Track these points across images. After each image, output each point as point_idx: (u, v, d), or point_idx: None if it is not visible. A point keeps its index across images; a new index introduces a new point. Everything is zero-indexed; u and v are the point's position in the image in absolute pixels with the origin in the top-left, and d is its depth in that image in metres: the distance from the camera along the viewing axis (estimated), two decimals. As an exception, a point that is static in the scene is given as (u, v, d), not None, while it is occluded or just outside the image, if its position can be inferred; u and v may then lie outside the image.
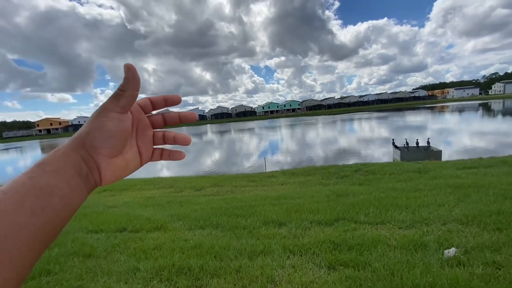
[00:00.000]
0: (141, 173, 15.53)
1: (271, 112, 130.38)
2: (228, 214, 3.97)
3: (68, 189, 0.29)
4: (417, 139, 13.51)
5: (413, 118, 43.73)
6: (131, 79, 0.34)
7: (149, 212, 4.58)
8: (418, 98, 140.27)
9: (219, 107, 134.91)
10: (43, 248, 0.28)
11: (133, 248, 2.94)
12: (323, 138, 26.88)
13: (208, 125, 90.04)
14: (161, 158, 0.43)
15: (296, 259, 2.44)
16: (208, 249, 2.74)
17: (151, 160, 0.42)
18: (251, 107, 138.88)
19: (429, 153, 12.39)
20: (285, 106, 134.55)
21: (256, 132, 44.06)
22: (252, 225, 3.38)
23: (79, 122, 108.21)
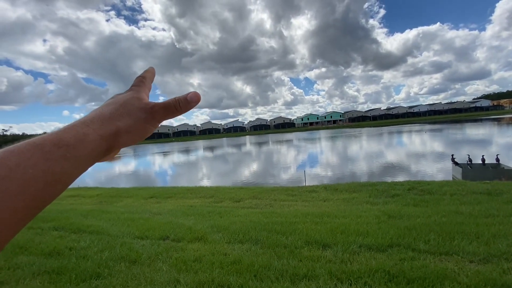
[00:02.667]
0: (184, 181, 16.32)
1: (311, 124, 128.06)
2: (267, 229, 3.83)
3: (78, 174, 0.28)
4: (482, 155, 11.78)
5: (475, 130, 38.72)
6: (188, 105, 0.34)
7: (191, 221, 4.67)
8: (480, 108, 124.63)
9: (258, 119, 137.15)
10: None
11: (175, 258, 2.97)
12: (368, 152, 25.23)
13: (247, 136, 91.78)
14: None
15: (345, 288, 2.19)
16: (247, 267, 2.63)
17: None
18: (290, 119, 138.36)
19: (499, 171, 10.68)
20: (325, 117, 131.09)
21: (294, 143, 43.43)
22: (293, 244, 3.19)
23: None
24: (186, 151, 45.16)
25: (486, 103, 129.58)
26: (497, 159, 11.54)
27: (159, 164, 31.30)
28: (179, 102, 0.34)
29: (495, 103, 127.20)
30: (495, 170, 10.95)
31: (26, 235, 4.05)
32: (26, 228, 4.45)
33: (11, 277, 2.64)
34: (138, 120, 0.33)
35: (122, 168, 28.97)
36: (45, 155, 0.25)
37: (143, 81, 0.38)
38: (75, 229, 4.27)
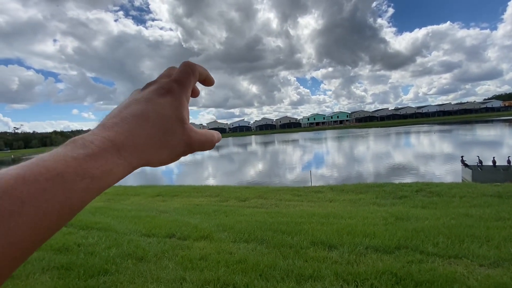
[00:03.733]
0: (189, 180, 16.42)
1: (317, 124, 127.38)
2: (273, 229, 3.82)
3: (93, 198, 0.24)
4: (493, 157, 11.51)
5: (486, 132, 37.90)
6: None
7: (197, 220, 4.70)
8: (491, 109, 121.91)
9: (263, 118, 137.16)
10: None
11: (181, 256, 2.99)
12: (375, 152, 24.95)
13: (253, 136, 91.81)
14: None
15: (351, 290, 2.17)
16: (253, 266, 2.63)
17: None
18: (296, 119, 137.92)
19: (510, 173, 10.44)
20: (332, 117, 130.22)
21: (300, 144, 43.26)
22: (299, 244, 3.17)
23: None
24: (192, 150, 45.33)
25: (497, 103, 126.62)
26: (509, 161, 11.27)
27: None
28: (214, 142, 0.32)
29: (507, 104, 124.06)
30: (506, 172, 10.70)
31: (36, 231, 4.14)
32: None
33: (21, 272, 2.70)
34: (175, 153, 0.29)
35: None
36: (65, 186, 0.21)
37: (191, 77, 0.31)
38: (83, 226, 4.35)
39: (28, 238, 0.19)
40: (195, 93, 0.35)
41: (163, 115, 0.27)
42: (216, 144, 0.33)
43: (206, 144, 0.31)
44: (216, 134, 0.33)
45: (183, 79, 0.30)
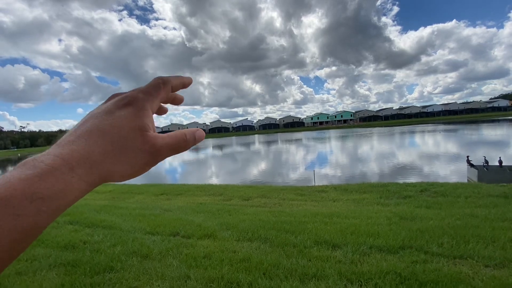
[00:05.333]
0: (193, 179, 16.49)
1: (320, 123, 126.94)
2: (276, 228, 3.83)
3: (51, 222, 0.22)
4: (499, 157, 11.37)
5: (492, 131, 37.41)
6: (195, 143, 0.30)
7: (200, 218, 4.72)
8: (498, 108, 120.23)
9: (267, 117, 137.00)
10: None
11: (185, 254, 3.01)
12: (378, 152, 24.80)
13: (256, 135, 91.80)
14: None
15: (355, 289, 2.17)
16: (256, 265, 2.64)
17: None
18: (299, 118, 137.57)
19: (517, 174, 10.30)
20: (335, 117, 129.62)
21: (303, 143, 43.16)
22: (302, 243, 3.18)
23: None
24: (196, 149, 45.62)
25: (504, 103, 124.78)
26: (515, 161, 11.11)
27: (169, 162, 31.76)
28: (189, 141, 0.29)
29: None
30: (513, 173, 10.56)
31: (43, 228, 4.20)
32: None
33: (28, 268, 2.75)
34: (138, 164, 0.26)
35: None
36: (12, 211, 0.19)
37: (159, 88, 0.30)
38: (89, 224, 4.40)
39: None
40: (161, 111, 0.33)
41: (121, 127, 0.26)
42: (204, 141, 0.30)
43: (177, 147, 0.28)
44: (189, 132, 0.29)
45: (150, 89, 0.29)
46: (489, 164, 11.47)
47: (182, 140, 0.28)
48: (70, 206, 0.23)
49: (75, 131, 0.25)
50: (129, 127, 0.26)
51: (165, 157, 0.28)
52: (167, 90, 0.31)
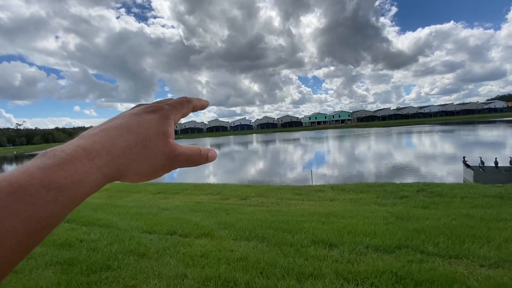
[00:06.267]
0: (191, 178, 16.46)
1: (318, 123, 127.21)
2: (273, 227, 3.84)
3: (68, 213, 0.22)
4: (495, 158, 11.47)
5: (488, 132, 37.71)
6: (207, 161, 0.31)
7: (198, 217, 4.72)
8: (494, 110, 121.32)
9: (265, 117, 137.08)
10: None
11: (182, 253, 3.01)
12: (376, 152, 24.91)
13: (254, 134, 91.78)
14: None
15: (351, 288, 2.18)
16: (253, 264, 2.65)
17: None
18: (297, 118, 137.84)
19: (512, 175, 10.40)
20: (333, 117, 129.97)
21: (301, 143, 43.22)
22: (299, 242, 3.19)
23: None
24: (194, 148, 45.42)
25: (500, 104, 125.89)
26: (511, 162, 11.23)
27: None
28: (203, 157, 0.30)
29: (510, 105, 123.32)
30: (508, 173, 10.66)
31: (39, 226, 4.17)
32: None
33: (24, 267, 2.73)
34: (155, 166, 0.27)
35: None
36: (29, 200, 0.19)
37: (183, 104, 0.33)
38: (85, 222, 4.38)
39: None
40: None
41: (147, 128, 0.27)
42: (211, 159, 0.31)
43: (192, 158, 0.29)
44: (205, 149, 0.31)
45: (175, 104, 0.32)
46: (485, 164, 11.57)
47: (197, 154, 0.30)
48: (87, 197, 0.23)
49: (99, 126, 0.26)
50: (154, 130, 0.28)
51: (181, 166, 0.29)
52: (189, 108, 0.34)
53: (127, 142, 0.25)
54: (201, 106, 0.36)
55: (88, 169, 0.22)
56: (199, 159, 0.30)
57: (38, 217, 0.19)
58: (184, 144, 0.30)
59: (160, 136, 0.28)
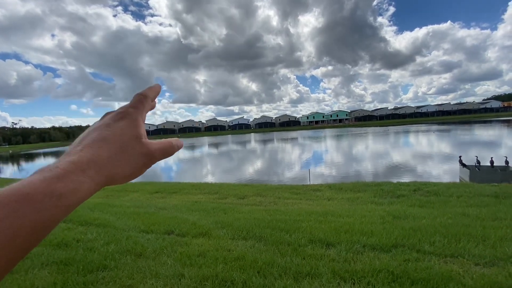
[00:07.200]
0: (188, 177, 16.44)
1: (316, 123, 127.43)
2: (271, 227, 3.85)
3: (65, 216, 0.26)
4: (491, 157, 11.57)
5: (484, 132, 38.03)
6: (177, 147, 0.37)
7: (195, 216, 4.72)
8: (490, 109, 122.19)
9: (263, 116, 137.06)
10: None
11: (179, 253, 3.01)
12: (373, 151, 25.03)
13: (252, 134, 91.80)
14: None
15: (348, 287, 2.19)
16: (251, 263, 2.65)
17: None
18: (295, 117, 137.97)
19: (508, 174, 10.50)
20: (331, 116, 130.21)
21: (299, 142, 43.30)
22: (297, 242, 3.20)
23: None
24: (191, 147, 45.46)
25: (496, 104, 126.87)
26: (506, 162, 11.34)
27: (164, 160, 31.52)
28: (175, 147, 0.36)
29: (506, 105, 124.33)
30: (504, 173, 10.76)
31: (35, 226, 4.15)
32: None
33: (20, 267, 2.71)
34: (137, 166, 0.32)
35: (128, 163, 29.21)
36: (35, 206, 0.23)
37: (143, 101, 0.36)
38: (82, 222, 4.36)
39: (4, 256, 0.22)
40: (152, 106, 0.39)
41: (121, 135, 0.31)
42: (182, 147, 0.38)
43: (166, 151, 0.35)
44: (175, 140, 0.36)
45: (137, 104, 0.35)
46: (481, 164, 11.67)
47: (170, 146, 0.35)
48: (82, 202, 0.27)
49: (81, 141, 0.31)
50: (128, 135, 0.32)
51: (158, 160, 0.34)
52: (148, 102, 0.37)
53: (108, 153, 0.30)
54: (156, 93, 0.39)
55: (82, 179, 0.27)
56: (172, 150, 0.35)
57: (43, 220, 0.24)
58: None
59: (134, 139, 0.32)
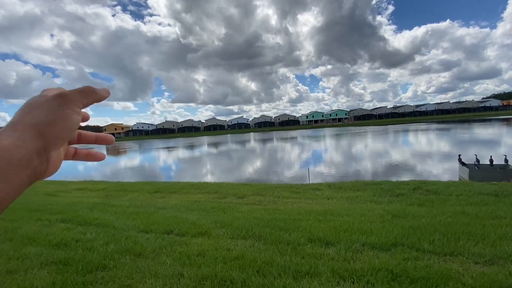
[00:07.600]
0: (188, 177, 16.43)
1: (315, 122, 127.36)
2: (270, 226, 3.84)
3: (8, 189, 0.26)
4: (490, 156, 11.57)
5: (484, 131, 38.06)
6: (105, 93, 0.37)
7: (195, 216, 4.71)
8: (490, 108, 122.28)
9: (262, 115, 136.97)
10: None
11: (179, 252, 3.00)
12: (372, 150, 25.03)
13: (251, 133, 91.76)
14: (73, 158, 0.41)
15: (348, 286, 2.19)
16: (250, 262, 2.65)
17: (65, 159, 0.40)
18: (295, 116, 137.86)
19: (507, 173, 10.50)
20: (330, 115, 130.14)
21: (298, 141, 43.30)
22: (296, 241, 3.19)
23: (138, 127, 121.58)
24: (191, 146, 45.43)
25: (495, 102, 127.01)
26: (506, 160, 11.34)
27: (163, 159, 31.55)
28: (97, 90, 0.36)
29: (505, 103, 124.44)
30: (503, 171, 10.77)
31: (34, 226, 4.14)
32: (34, 220, 4.54)
33: (20, 267, 2.70)
34: (52, 107, 0.32)
35: (128, 163, 29.31)
36: None
37: (86, 90, 0.35)
38: (81, 222, 4.35)
39: None
40: (84, 118, 0.39)
41: (45, 96, 0.33)
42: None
43: (84, 91, 0.35)
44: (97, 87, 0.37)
45: (75, 90, 0.35)
46: (480, 162, 11.68)
47: (89, 88, 0.35)
48: (13, 169, 0.27)
49: (14, 116, 0.33)
50: (51, 95, 0.33)
51: (78, 101, 0.34)
52: (93, 96, 0.36)
53: (31, 114, 0.31)
54: (102, 96, 0.38)
55: (12, 133, 0.28)
56: (93, 92, 0.35)
57: None
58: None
59: (44, 95, 0.33)
